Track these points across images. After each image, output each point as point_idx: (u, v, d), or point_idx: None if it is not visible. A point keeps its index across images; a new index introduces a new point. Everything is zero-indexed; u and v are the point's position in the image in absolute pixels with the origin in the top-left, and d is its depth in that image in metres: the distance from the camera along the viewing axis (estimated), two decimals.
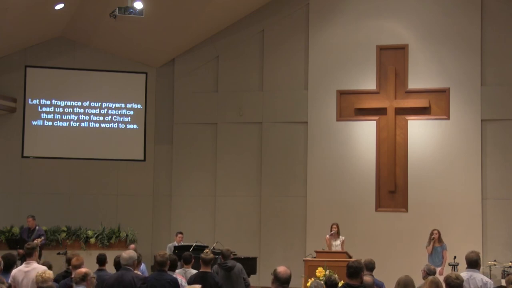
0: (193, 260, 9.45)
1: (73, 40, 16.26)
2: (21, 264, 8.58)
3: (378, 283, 8.65)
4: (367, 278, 7.11)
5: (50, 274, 7.30)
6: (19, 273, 8.05)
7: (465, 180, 14.58)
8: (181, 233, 14.07)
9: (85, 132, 16.26)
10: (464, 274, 7.42)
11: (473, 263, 7.54)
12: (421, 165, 14.81)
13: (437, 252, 12.89)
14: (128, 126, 16.46)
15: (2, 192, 15.78)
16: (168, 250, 13.29)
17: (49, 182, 15.95)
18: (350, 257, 11.47)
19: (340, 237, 13.16)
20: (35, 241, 13.37)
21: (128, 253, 7.68)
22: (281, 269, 5.64)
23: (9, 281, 7.97)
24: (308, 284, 6.55)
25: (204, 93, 16.29)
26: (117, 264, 8.49)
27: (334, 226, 13.21)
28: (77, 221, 15.49)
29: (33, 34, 15.55)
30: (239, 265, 9.79)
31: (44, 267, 8.25)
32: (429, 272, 8.91)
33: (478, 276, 7.41)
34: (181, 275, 9.05)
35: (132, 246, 12.47)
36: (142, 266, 10.72)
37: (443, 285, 6.44)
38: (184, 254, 9.51)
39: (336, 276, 8.25)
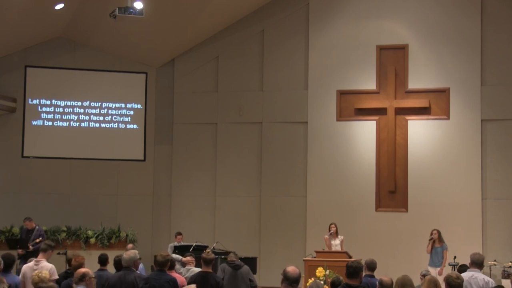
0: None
1: (73, 40, 16.26)
2: (20, 264, 8.65)
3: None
4: (386, 278, 7.07)
5: (46, 274, 7.31)
6: (28, 269, 8.23)
7: (465, 180, 14.58)
8: (180, 234, 14.02)
9: (85, 132, 16.26)
10: (466, 273, 7.45)
11: (477, 263, 7.57)
12: (421, 165, 14.80)
13: (437, 252, 12.89)
14: (128, 126, 16.46)
15: (2, 192, 15.78)
16: (169, 249, 13.29)
17: (49, 182, 15.95)
18: (350, 257, 11.48)
19: (339, 236, 13.17)
20: (36, 240, 13.41)
21: (129, 254, 7.71)
22: (290, 268, 5.72)
23: (20, 277, 8.27)
24: (308, 284, 6.55)
25: (204, 93, 16.29)
26: (117, 263, 8.51)
27: (333, 225, 13.22)
28: (77, 221, 15.48)
29: (33, 34, 15.55)
30: (247, 267, 9.87)
31: (51, 265, 8.33)
32: (426, 276, 8.94)
33: (480, 276, 7.45)
34: (182, 274, 9.09)
35: (130, 245, 12.46)
36: (141, 265, 10.69)
37: (442, 284, 6.45)
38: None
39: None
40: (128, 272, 7.54)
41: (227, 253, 12.10)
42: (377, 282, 7.31)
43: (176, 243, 13.78)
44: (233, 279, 9.56)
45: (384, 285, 6.90)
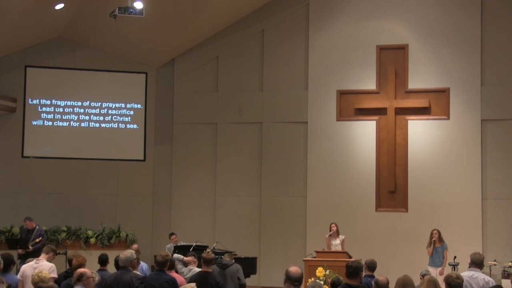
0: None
1: (73, 40, 16.26)
2: (20, 264, 8.65)
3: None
4: (381, 278, 7.07)
5: (46, 274, 7.31)
6: (28, 268, 8.22)
7: (465, 180, 14.58)
8: (173, 234, 13.90)
9: (85, 132, 16.26)
10: (466, 273, 7.44)
11: (478, 263, 7.56)
12: (421, 165, 14.80)
13: (438, 253, 12.89)
14: (128, 126, 16.46)
15: (2, 192, 15.78)
16: (167, 251, 13.26)
17: (49, 182, 15.94)
18: (350, 257, 11.50)
19: (340, 236, 13.19)
20: (36, 240, 13.41)
21: (125, 254, 7.72)
22: (293, 268, 5.85)
23: (18, 276, 8.28)
24: (308, 283, 6.55)
25: (204, 93, 16.29)
26: (117, 264, 8.51)
27: (333, 225, 13.25)
28: (77, 221, 15.49)
29: (33, 34, 15.55)
30: (236, 266, 9.85)
31: (51, 264, 8.34)
32: (425, 275, 8.93)
33: (480, 276, 7.44)
34: (184, 274, 9.10)
35: (135, 246, 12.45)
36: (145, 266, 10.72)
37: (442, 284, 6.45)
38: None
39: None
40: (124, 272, 7.58)
41: (227, 253, 12.10)
42: (372, 282, 7.29)
43: (172, 244, 13.73)
44: (221, 279, 9.56)
45: (380, 285, 6.90)
